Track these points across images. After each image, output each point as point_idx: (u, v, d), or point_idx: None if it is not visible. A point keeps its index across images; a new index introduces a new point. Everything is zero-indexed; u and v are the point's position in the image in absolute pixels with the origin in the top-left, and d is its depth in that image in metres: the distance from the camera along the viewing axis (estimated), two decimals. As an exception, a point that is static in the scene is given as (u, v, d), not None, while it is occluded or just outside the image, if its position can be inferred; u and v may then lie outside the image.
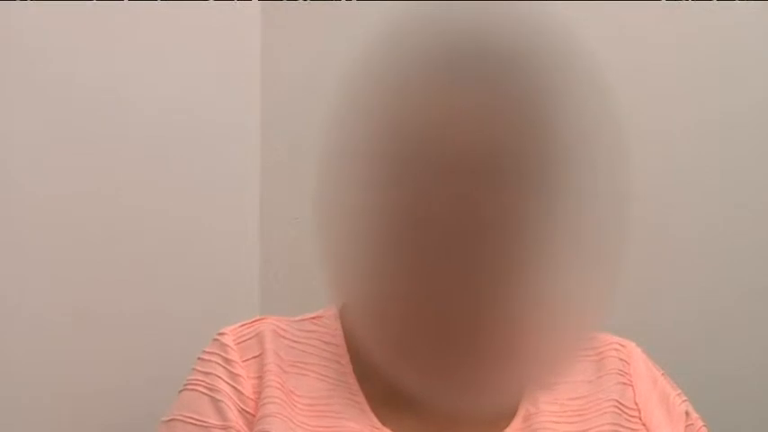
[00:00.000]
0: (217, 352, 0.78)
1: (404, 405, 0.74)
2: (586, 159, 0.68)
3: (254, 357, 0.77)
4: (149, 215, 1.01)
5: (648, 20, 1.13)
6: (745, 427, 1.10)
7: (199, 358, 0.79)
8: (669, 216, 1.13)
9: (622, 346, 0.83)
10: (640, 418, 0.78)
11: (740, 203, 1.13)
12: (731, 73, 1.14)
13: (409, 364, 0.68)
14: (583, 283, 0.69)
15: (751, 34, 1.14)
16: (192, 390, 0.77)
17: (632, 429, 0.77)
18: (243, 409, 0.75)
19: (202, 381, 0.76)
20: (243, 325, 0.80)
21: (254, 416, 0.74)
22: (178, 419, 0.75)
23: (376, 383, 0.75)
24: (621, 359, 0.82)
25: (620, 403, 0.79)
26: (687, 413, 0.81)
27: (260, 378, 0.76)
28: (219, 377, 0.76)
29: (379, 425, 0.74)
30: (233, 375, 0.76)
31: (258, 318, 0.81)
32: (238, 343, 0.78)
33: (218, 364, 0.77)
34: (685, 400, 0.82)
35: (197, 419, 0.75)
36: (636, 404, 0.79)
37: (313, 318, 0.82)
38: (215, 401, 0.75)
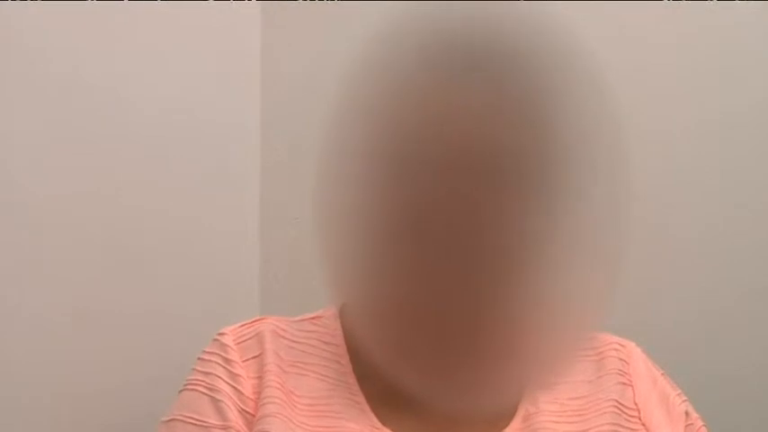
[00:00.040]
0: (217, 352, 0.78)
1: (404, 405, 0.74)
2: (586, 159, 0.68)
3: (254, 357, 0.77)
4: (149, 215, 1.01)
5: (648, 20, 1.13)
6: (745, 427, 1.10)
7: (199, 358, 0.79)
8: (669, 216, 1.13)
9: (622, 345, 0.83)
10: (640, 418, 0.78)
11: (740, 203, 1.13)
12: (731, 73, 1.14)
13: (409, 364, 0.68)
14: (583, 283, 0.69)
15: (751, 34, 1.14)
16: (192, 390, 0.77)
17: (632, 429, 0.77)
18: (243, 410, 0.75)
19: (202, 381, 0.76)
20: (243, 325, 0.80)
21: (253, 416, 0.74)
22: (178, 419, 0.75)
23: (376, 383, 0.75)
24: (621, 359, 0.82)
25: (620, 403, 0.79)
26: (687, 413, 0.81)
27: (260, 378, 0.76)
28: (219, 377, 0.76)
29: (378, 425, 0.74)
30: (233, 375, 0.76)
31: (258, 318, 0.81)
32: (238, 343, 0.78)
33: (218, 364, 0.77)
34: (685, 400, 0.82)
35: (197, 419, 0.75)
36: (635, 404, 0.79)
37: (313, 318, 0.82)
38: (215, 401, 0.75)
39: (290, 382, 0.76)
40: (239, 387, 0.76)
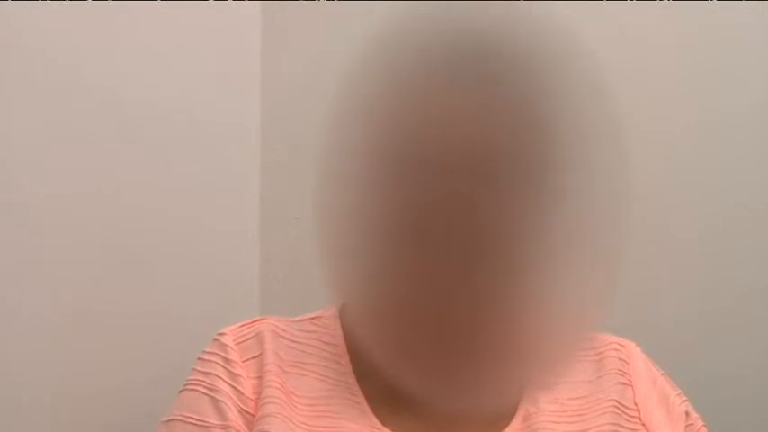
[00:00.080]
0: (217, 352, 0.78)
1: (404, 405, 0.74)
2: (586, 160, 0.68)
3: (254, 357, 0.77)
4: (149, 215, 1.01)
5: (648, 20, 1.13)
6: (745, 427, 1.10)
7: (199, 358, 0.79)
8: (669, 216, 1.13)
9: (622, 345, 0.83)
10: (640, 418, 0.78)
11: (740, 203, 1.13)
12: (731, 73, 1.14)
13: (409, 364, 0.68)
14: (583, 283, 0.69)
15: (751, 34, 1.14)
16: (192, 390, 0.77)
17: (632, 429, 0.77)
18: (243, 409, 0.75)
19: (202, 381, 0.76)
20: (243, 325, 0.80)
21: (253, 416, 0.74)
22: (178, 419, 0.75)
23: (376, 383, 0.75)
24: (621, 359, 0.82)
25: (620, 403, 0.79)
26: (687, 413, 0.81)
27: (260, 378, 0.76)
28: (219, 377, 0.76)
29: (378, 425, 0.74)
30: (233, 375, 0.76)
31: (258, 318, 0.81)
32: (238, 343, 0.78)
33: (218, 364, 0.77)
34: (685, 400, 0.82)
35: (197, 419, 0.75)
36: (635, 404, 0.79)
37: (313, 318, 0.82)
38: (215, 401, 0.75)
39: (289, 382, 0.76)
40: (239, 387, 0.76)
